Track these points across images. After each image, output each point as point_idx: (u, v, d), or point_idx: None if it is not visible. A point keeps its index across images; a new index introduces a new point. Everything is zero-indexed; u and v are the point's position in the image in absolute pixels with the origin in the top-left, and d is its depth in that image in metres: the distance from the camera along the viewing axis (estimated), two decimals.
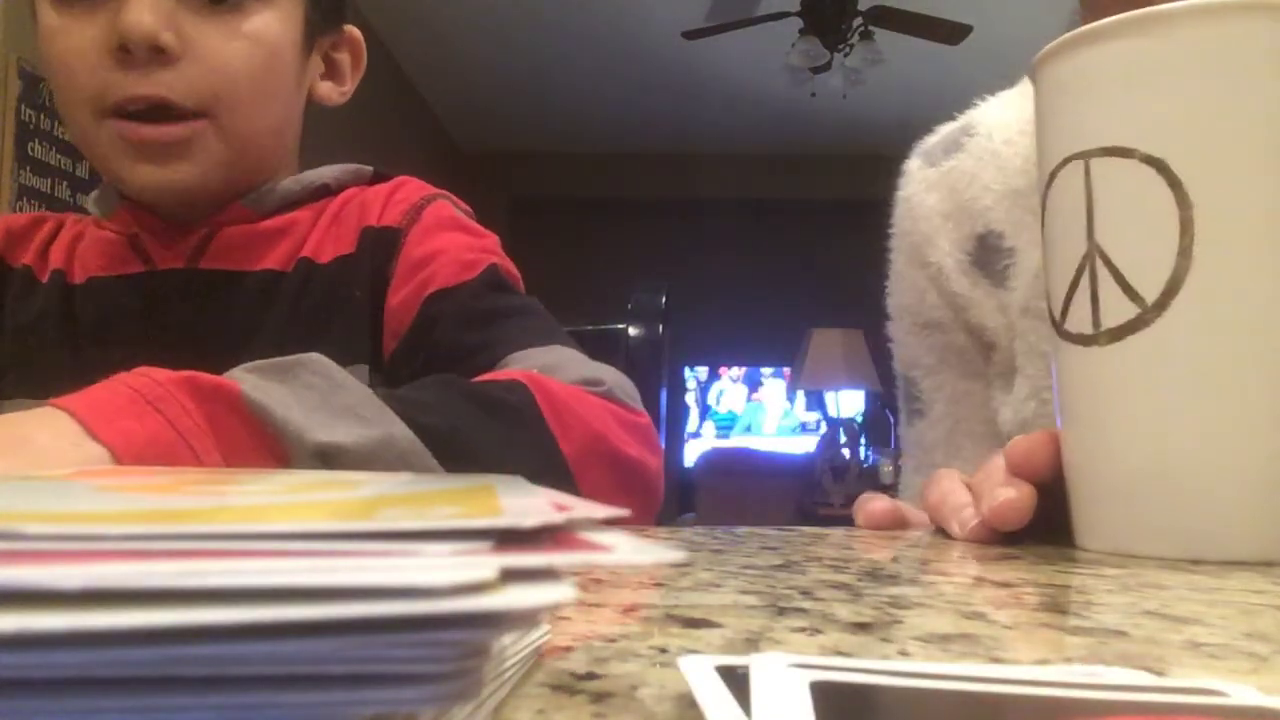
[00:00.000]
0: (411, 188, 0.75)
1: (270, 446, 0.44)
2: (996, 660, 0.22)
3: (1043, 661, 0.22)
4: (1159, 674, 0.20)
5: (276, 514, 0.15)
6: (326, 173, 0.75)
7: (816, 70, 4.00)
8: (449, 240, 0.70)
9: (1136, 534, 0.41)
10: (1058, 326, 0.45)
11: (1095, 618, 0.27)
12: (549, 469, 0.51)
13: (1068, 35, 0.44)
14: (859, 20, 3.78)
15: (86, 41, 0.63)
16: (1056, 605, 0.29)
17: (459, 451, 0.48)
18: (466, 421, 0.50)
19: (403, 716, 0.12)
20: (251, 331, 0.67)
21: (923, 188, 0.74)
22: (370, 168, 0.78)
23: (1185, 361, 0.40)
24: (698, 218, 5.82)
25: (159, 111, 0.64)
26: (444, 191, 0.76)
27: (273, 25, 0.68)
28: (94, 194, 0.75)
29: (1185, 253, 0.39)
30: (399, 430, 0.47)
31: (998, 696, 0.17)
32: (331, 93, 0.77)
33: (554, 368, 0.59)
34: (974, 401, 0.72)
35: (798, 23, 3.81)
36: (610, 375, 0.61)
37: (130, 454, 0.40)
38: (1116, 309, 0.41)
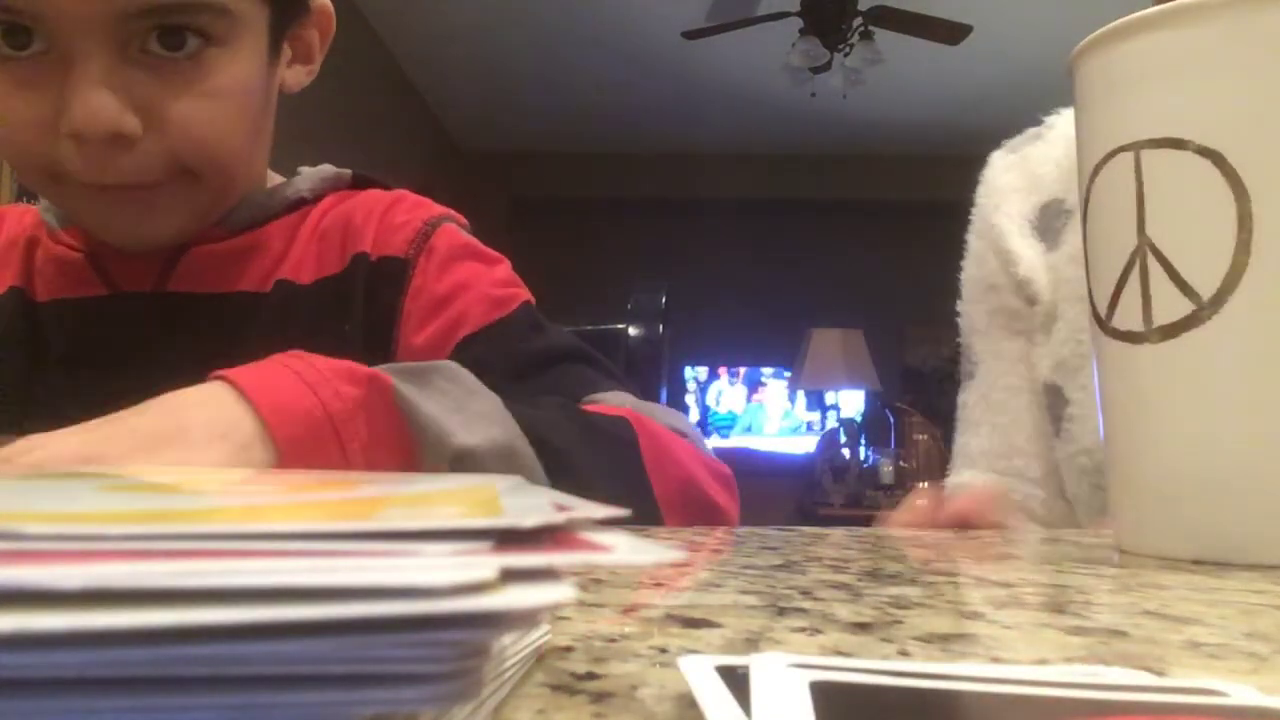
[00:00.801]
0: (409, 208, 0.70)
1: (407, 444, 0.45)
2: (996, 660, 0.22)
3: (1043, 661, 0.22)
4: (1159, 674, 0.20)
5: (276, 514, 0.15)
6: (301, 184, 0.70)
7: (816, 70, 4.00)
8: (468, 273, 0.67)
9: (1182, 538, 0.40)
10: (1102, 324, 0.43)
11: (1095, 618, 0.27)
12: (639, 504, 0.52)
13: (1113, 25, 0.43)
14: (859, 20, 3.78)
15: (33, 114, 0.56)
16: (1056, 605, 0.29)
17: (565, 471, 0.49)
18: (576, 445, 0.51)
19: (403, 716, 0.12)
20: (230, 358, 0.65)
21: (1000, 169, 0.80)
22: (349, 171, 0.73)
23: (1241, 360, 0.39)
24: (698, 218, 5.82)
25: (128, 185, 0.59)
26: (445, 211, 0.72)
27: (238, 72, 0.60)
28: (43, 203, 0.69)
29: (1243, 247, 0.38)
30: (521, 444, 0.48)
31: (998, 696, 0.17)
32: (299, 76, 0.69)
33: (622, 403, 0.61)
34: (1013, 357, 0.76)
35: (798, 23, 3.81)
36: (685, 422, 0.63)
37: (284, 430, 0.42)
38: (1170, 306, 0.40)
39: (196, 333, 0.65)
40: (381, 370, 0.46)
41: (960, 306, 0.81)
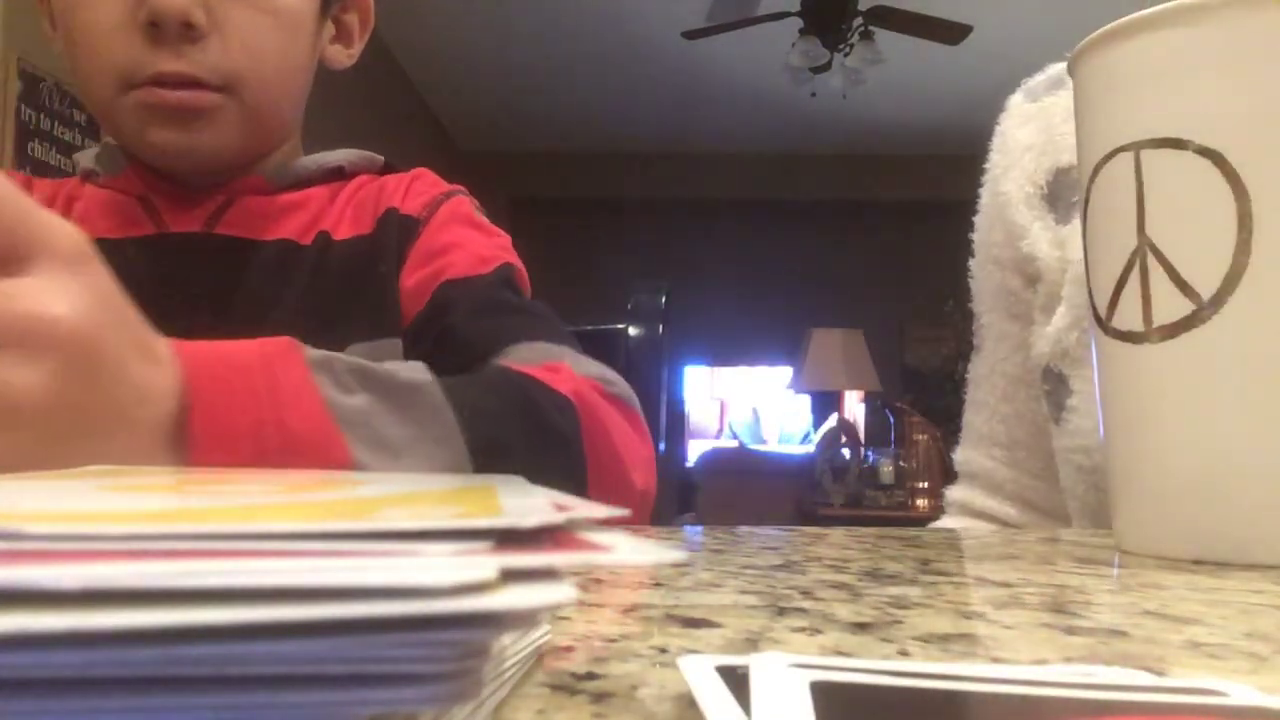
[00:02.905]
0: (429, 180, 0.77)
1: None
2: (996, 660, 0.22)
3: (1042, 661, 0.22)
4: (1159, 674, 0.20)
5: (276, 514, 0.15)
6: (341, 155, 0.77)
7: (816, 70, 4.00)
8: (465, 235, 0.72)
9: (1182, 538, 0.40)
10: (1102, 324, 0.43)
11: (1095, 618, 0.27)
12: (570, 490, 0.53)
13: (1113, 25, 0.42)
14: (859, 20, 3.79)
15: (113, 15, 0.63)
16: (1056, 605, 0.29)
17: (497, 466, 0.49)
18: (516, 440, 0.52)
19: (403, 716, 0.12)
20: (271, 300, 0.68)
21: (1017, 121, 0.75)
22: (381, 157, 0.80)
23: (1242, 360, 0.39)
24: (698, 218, 5.83)
25: (185, 82, 0.64)
26: (460, 187, 0.78)
27: (292, 1, 0.68)
28: (93, 152, 0.74)
29: (1243, 247, 0.38)
30: (462, 457, 0.49)
31: (998, 696, 0.17)
32: (340, 55, 0.77)
33: (562, 357, 0.62)
34: (1012, 343, 0.73)
35: (798, 23, 3.81)
36: (617, 376, 0.64)
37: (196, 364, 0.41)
38: (1170, 306, 0.40)
39: (241, 272, 0.69)
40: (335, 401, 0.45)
41: (971, 267, 0.78)
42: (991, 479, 0.73)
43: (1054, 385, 0.67)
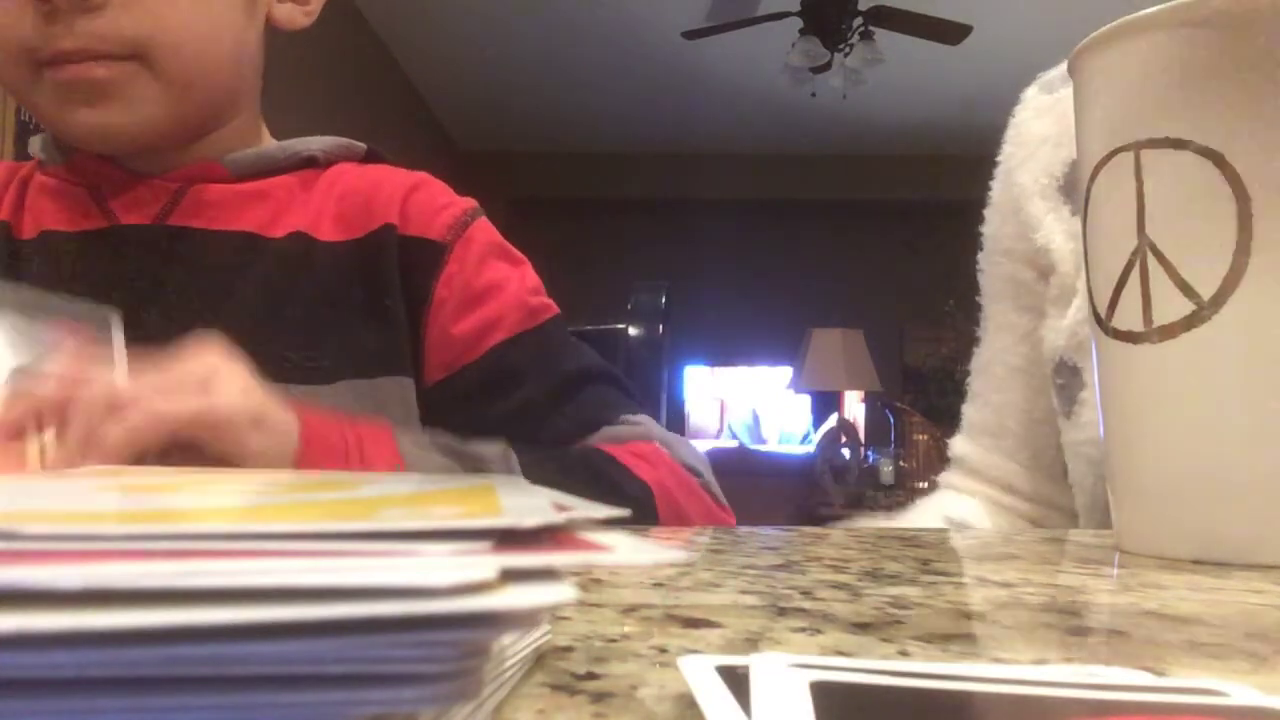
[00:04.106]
0: (436, 192, 0.71)
1: None
2: (996, 660, 0.22)
3: (1042, 661, 0.22)
4: (1159, 674, 0.20)
5: (276, 514, 0.15)
6: (314, 143, 0.71)
7: (816, 70, 4.00)
8: (501, 273, 0.68)
9: (1182, 538, 0.40)
10: (1102, 323, 0.43)
11: (1095, 618, 0.27)
12: None
13: (1113, 25, 0.42)
14: (859, 20, 3.78)
15: None
16: (1056, 605, 0.29)
17: None
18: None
19: (403, 716, 0.12)
20: (226, 294, 0.64)
21: (1033, 113, 0.74)
22: (363, 144, 0.74)
23: (1241, 360, 0.39)
24: (698, 218, 5.82)
25: (89, 56, 0.59)
26: (474, 204, 0.72)
27: None
28: (40, 138, 0.70)
29: (1243, 247, 0.38)
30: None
31: (998, 696, 0.17)
32: (294, 15, 0.69)
33: (650, 438, 0.65)
34: (1016, 334, 0.73)
35: (798, 23, 3.81)
36: (698, 458, 0.66)
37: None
38: (1170, 306, 0.40)
39: (197, 266, 0.65)
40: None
41: (981, 261, 0.77)
42: (975, 465, 0.74)
43: (1067, 379, 0.66)
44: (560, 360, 0.67)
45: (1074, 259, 0.67)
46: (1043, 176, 0.71)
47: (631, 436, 0.64)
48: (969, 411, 0.76)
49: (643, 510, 0.56)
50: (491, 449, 0.56)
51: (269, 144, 0.70)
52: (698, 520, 0.60)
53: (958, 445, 0.76)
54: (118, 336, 0.48)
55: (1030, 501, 0.71)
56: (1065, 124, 0.70)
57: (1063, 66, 0.75)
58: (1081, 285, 0.66)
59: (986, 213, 0.77)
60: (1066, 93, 0.72)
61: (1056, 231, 0.69)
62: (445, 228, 0.67)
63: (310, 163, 0.70)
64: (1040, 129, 0.73)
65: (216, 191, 0.66)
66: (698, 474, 0.64)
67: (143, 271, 0.64)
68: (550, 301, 0.70)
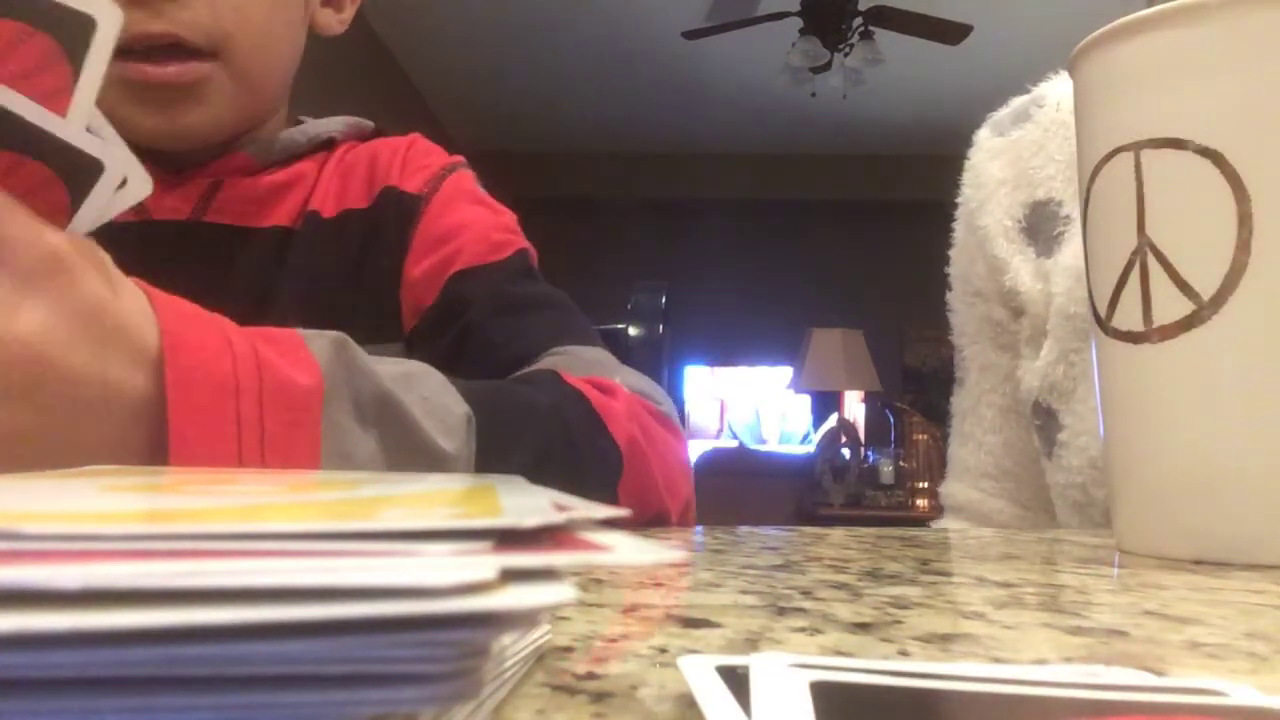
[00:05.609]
0: (424, 148, 0.72)
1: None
2: (996, 660, 0.22)
3: (1043, 661, 0.22)
4: (1159, 674, 0.20)
5: (276, 514, 0.15)
6: (332, 125, 0.72)
7: (816, 70, 4.00)
8: (471, 215, 0.68)
9: (1182, 538, 0.40)
10: (1102, 324, 0.43)
11: (1095, 618, 0.27)
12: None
13: (1113, 25, 0.43)
14: (859, 20, 3.79)
15: None
16: (1056, 605, 0.29)
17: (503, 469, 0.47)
18: (543, 473, 0.49)
19: (403, 716, 0.12)
20: (267, 292, 0.64)
21: (987, 156, 0.74)
22: (370, 123, 0.75)
23: (1241, 360, 0.39)
24: (698, 218, 5.82)
25: (167, 52, 0.59)
26: (460, 158, 0.73)
27: None
28: None
29: (1243, 247, 0.38)
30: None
31: (998, 696, 0.17)
32: (331, 20, 0.72)
33: (609, 371, 0.60)
34: (999, 374, 0.73)
35: (798, 23, 3.81)
36: (659, 391, 0.62)
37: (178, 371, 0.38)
38: (1170, 306, 0.40)
39: (230, 264, 0.65)
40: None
41: (950, 301, 0.77)
42: (979, 510, 0.73)
43: (1044, 420, 0.66)
44: (514, 285, 0.65)
45: (1043, 299, 0.68)
46: (1005, 219, 0.71)
47: (588, 369, 0.59)
48: (961, 455, 0.75)
49: (611, 464, 0.52)
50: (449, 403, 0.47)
51: (289, 129, 0.70)
52: (657, 463, 0.56)
53: (956, 492, 0.75)
54: (100, 49, 0.35)
55: None
56: (1020, 166, 0.72)
57: (1013, 105, 0.76)
58: (1051, 325, 0.66)
59: (952, 253, 0.77)
60: (1018, 134, 0.73)
61: (1024, 273, 0.69)
62: (424, 181, 0.69)
63: (328, 144, 0.71)
64: (996, 171, 0.73)
65: (247, 185, 0.66)
66: (655, 400, 0.60)
67: (182, 269, 0.62)
68: (519, 239, 0.69)
